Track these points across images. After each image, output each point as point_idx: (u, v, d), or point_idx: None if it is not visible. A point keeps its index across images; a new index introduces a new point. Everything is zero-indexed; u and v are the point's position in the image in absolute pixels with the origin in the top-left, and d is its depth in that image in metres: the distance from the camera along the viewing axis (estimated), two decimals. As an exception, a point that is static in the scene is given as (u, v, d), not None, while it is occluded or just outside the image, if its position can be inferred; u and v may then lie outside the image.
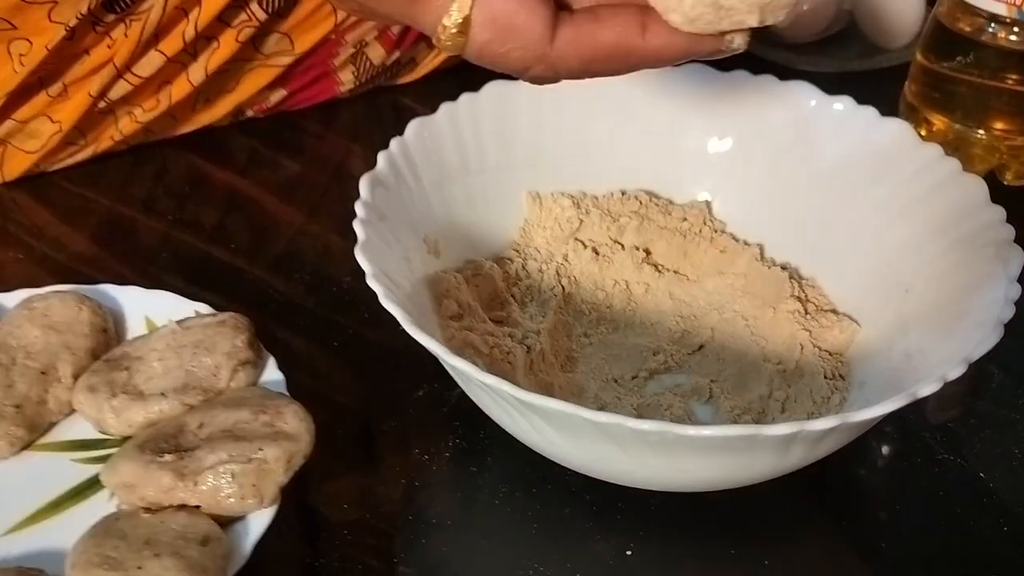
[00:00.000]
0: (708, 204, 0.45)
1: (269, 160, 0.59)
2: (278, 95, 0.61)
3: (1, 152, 0.57)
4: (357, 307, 0.45)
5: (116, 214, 0.54)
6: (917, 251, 0.37)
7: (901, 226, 0.38)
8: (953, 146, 0.55)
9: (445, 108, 0.42)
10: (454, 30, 0.28)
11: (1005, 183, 0.55)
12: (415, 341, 0.31)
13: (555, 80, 0.30)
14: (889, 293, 0.38)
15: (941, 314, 0.34)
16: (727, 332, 0.41)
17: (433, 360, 0.33)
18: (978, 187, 0.37)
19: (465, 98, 0.43)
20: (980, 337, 0.30)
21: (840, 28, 0.68)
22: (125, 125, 0.57)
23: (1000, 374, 0.41)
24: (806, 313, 0.40)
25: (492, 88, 0.43)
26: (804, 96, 0.43)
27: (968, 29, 0.53)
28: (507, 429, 0.34)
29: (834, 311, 0.40)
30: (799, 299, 0.41)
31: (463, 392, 0.37)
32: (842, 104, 0.42)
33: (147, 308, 0.42)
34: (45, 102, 0.55)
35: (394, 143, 0.40)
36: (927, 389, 0.28)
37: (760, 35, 0.29)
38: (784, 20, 0.28)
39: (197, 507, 0.32)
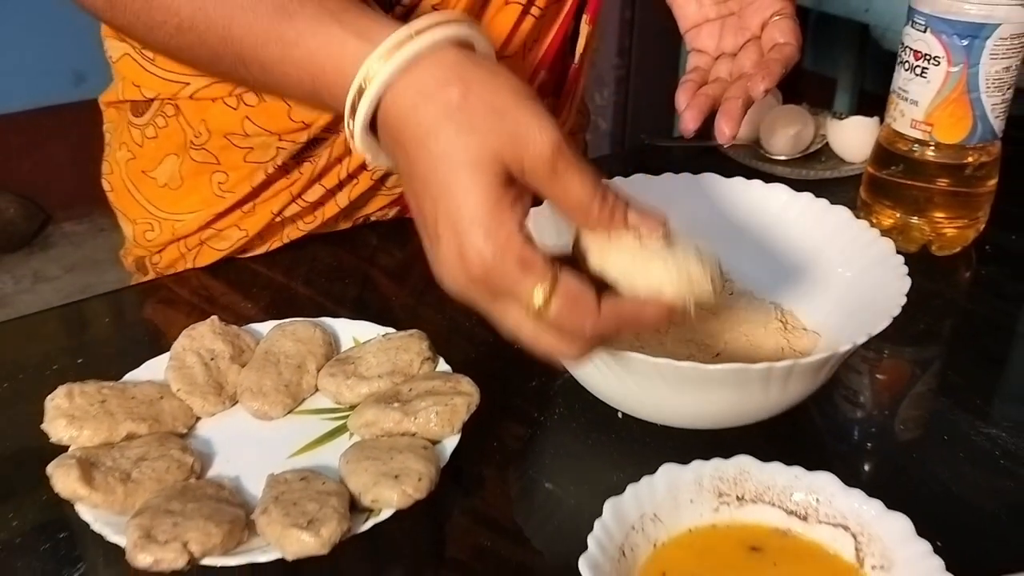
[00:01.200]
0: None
1: (387, 252, 0.81)
2: (395, 211, 0.83)
3: (198, 249, 0.78)
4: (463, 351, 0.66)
5: (284, 288, 0.75)
6: (852, 287, 0.59)
7: (842, 271, 0.60)
8: (899, 229, 0.77)
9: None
10: (541, 304, 0.42)
11: (933, 252, 0.77)
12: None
13: (599, 343, 0.45)
14: (837, 315, 0.59)
15: (865, 322, 0.55)
16: (735, 344, 0.62)
17: (536, 364, 0.54)
18: (889, 245, 0.59)
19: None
20: (879, 323, 0.51)
21: (817, 148, 0.92)
22: (291, 232, 0.79)
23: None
24: (785, 329, 0.62)
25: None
26: (780, 193, 0.65)
27: (903, 148, 0.75)
28: (597, 391, 0.55)
29: (804, 328, 0.62)
30: (781, 321, 0.62)
31: (562, 382, 0.58)
32: (805, 198, 0.65)
33: (353, 331, 0.64)
34: (238, 216, 0.76)
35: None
36: (845, 348, 0.49)
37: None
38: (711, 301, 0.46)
39: (415, 434, 0.54)
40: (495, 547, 0.51)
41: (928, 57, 0.70)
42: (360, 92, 0.42)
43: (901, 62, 0.72)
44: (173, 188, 0.75)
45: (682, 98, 0.63)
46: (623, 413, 0.57)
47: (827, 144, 0.91)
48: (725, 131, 0.60)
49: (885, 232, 0.76)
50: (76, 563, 0.50)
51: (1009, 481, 0.55)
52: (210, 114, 0.72)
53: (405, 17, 0.48)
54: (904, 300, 0.53)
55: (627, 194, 0.45)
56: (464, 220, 0.41)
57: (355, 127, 0.43)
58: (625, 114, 2.43)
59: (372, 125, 0.44)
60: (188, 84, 0.70)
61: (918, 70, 0.70)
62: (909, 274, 0.56)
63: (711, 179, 0.67)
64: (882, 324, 0.51)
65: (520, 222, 0.42)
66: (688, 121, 0.62)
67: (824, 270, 0.62)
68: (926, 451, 0.58)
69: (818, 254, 0.63)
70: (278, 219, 0.77)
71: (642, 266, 0.43)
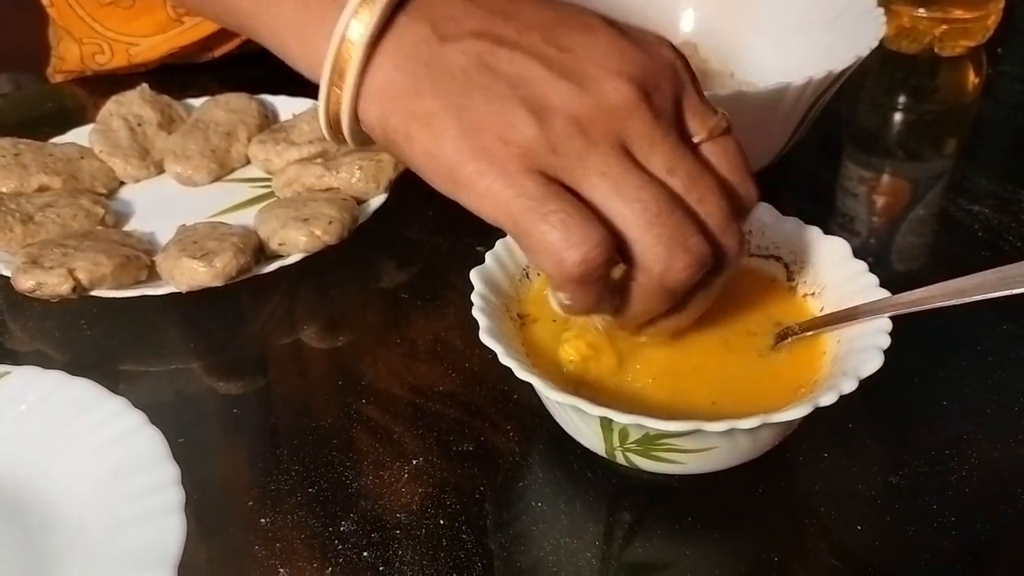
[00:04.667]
0: (695, 46, 0.62)
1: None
2: None
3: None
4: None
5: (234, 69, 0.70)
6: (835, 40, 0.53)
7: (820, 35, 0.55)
8: (909, 27, 0.70)
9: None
10: (704, 137, 0.32)
11: (939, 53, 0.70)
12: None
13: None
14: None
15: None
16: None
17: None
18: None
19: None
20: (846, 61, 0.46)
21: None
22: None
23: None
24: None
25: None
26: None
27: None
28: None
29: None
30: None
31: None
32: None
33: (293, 107, 0.60)
34: (205, 43, 0.70)
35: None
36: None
37: None
38: None
39: (337, 190, 0.50)
40: (412, 303, 0.47)
41: None
42: None
43: None
44: (123, 8, 0.69)
45: None
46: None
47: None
48: None
49: (891, 35, 0.70)
50: (-27, 304, 0.47)
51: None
52: None
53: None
54: (876, 43, 0.47)
55: None
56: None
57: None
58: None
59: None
60: None
61: None
62: (911, 78, 0.50)
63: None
64: (848, 62, 0.46)
65: None
66: None
67: (796, 35, 0.56)
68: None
69: (790, 19, 0.57)
70: (247, 42, 0.72)
71: None
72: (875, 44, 0.47)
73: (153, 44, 0.69)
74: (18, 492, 0.36)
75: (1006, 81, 0.71)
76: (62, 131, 0.58)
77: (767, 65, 0.58)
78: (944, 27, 0.69)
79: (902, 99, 0.69)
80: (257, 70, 0.71)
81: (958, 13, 0.69)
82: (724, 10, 0.61)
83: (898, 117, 0.68)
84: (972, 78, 0.71)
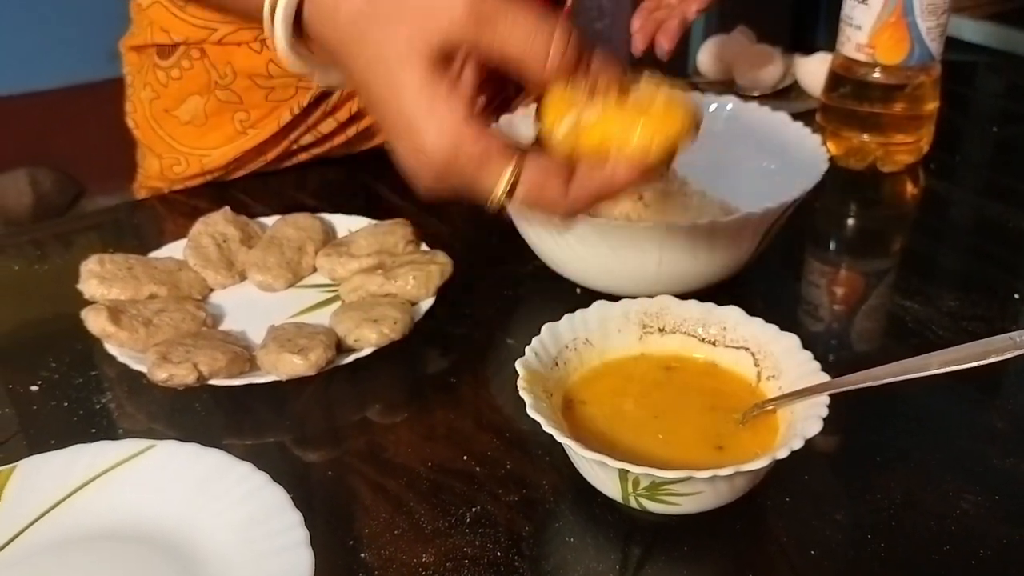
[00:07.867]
0: (675, 169, 0.75)
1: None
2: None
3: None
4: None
5: (292, 197, 0.84)
6: (790, 170, 0.66)
7: (776, 166, 0.68)
8: (852, 151, 0.84)
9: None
10: (503, 193, 0.39)
11: (880, 169, 0.84)
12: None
13: (571, 216, 0.41)
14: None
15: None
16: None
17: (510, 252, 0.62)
18: (815, 139, 0.66)
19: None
20: (794, 193, 0.59)
21: (788, 84, 0.99)
22: (301, 155, 0.87)
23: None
24: (729, 220, 0.69)
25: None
26: (727, 102, 0.73)
27: (851, 72, 0.83)
28: (551, 261, 0.63)
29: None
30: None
31: (531, 267, 0.66)
32: (753, 105, 0.72)
33: (348, 224, 0.72)
34: (262, 148, 0.84)
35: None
36: (759, 212, 0.57)
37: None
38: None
39: (395, 295, 0.62)
40: (459, 385, 0.59)
41: (869, -16, 0.77)
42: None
43: (848, -9, 0.80)
44: (197, 126, 0.83)
45: (636, 22, 0.73)
46: (581, 288, 0.65)
47: (796, 81, 0.99)
48: (664, 45, 0.69)
49: (840, 154, 0.84)
50: (104, 392, 0.59)
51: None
52: (235, 57, 0.79)
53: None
54: (819, 178, 0.61)
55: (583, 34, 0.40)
56: (413, 119, 0.38)
57: (276, 30, 0.41)
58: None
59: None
60: (216, 30, 0.78)
61: (861, -3, 0.78)
62: (858, 191, 0.67)
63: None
64: (795, 194, 0.59)
65: (467, 106, 0.39)
66: (638, 42, 0.70)
67: (760, 164, 0.70)
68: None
69: (759, 149, 0.70)
70: (294, 146, 0.85)
71: (622, 127, 0.38)
72: (819, 178, 0.61)
73: (223, 152, 0.83)
74: (172, 537, 0.47)
75: (937, 193, 0.85)
76: (148, 242, 0.70)
77: (737, 188, 0.71)
78: (885, 148, 0.83)
79: (852, 208, 0.83)
80: (303, 194, 0.84)
81: (897, 137, 0.83)
82: (704, 144, 0.74)
83: (849, 223, 0.81)
84: (910, 191, 0.85)
